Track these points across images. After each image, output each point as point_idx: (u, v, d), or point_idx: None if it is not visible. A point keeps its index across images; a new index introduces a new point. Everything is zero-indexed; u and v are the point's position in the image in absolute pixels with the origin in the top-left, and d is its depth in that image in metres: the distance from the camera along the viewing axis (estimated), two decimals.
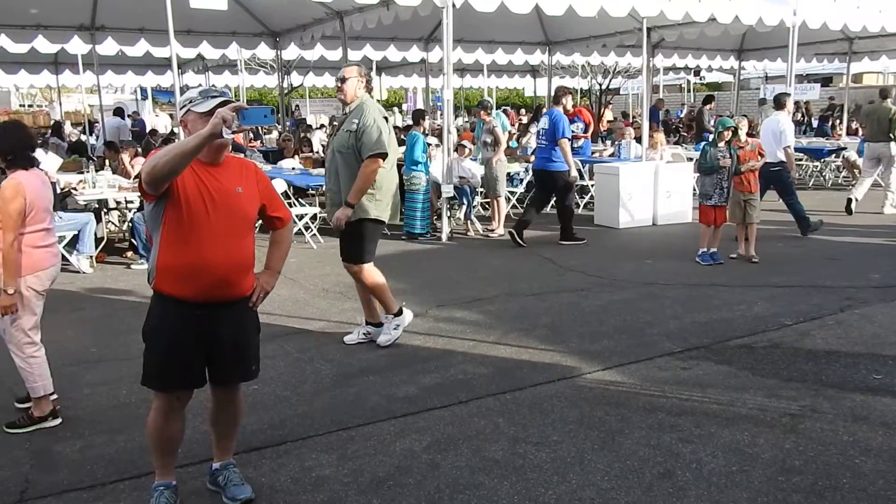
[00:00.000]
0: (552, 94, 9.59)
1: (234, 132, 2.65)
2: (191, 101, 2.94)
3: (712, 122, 13.83)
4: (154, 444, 3.12)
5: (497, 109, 12.00)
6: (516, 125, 18.34)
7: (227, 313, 3.00)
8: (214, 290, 2.91)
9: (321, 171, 10.37)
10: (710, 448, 3.63)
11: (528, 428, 3.90)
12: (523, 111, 23.67)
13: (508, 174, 10.78)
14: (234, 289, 2.98)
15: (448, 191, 9.18)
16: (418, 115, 9.78)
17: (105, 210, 9.00)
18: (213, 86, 20.53)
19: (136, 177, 9.70)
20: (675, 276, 7.19)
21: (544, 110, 12.85)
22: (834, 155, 14.58)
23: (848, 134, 16.26)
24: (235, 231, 2.94)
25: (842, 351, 5.02)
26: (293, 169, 11.12)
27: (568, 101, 9.14)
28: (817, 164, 14.67)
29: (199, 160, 2.86)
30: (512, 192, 10.90)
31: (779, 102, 9.21)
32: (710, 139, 7.83)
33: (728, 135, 7.54)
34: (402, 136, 12.07)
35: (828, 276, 7.07)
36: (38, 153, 10.15)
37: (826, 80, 26.99)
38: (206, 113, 2.79)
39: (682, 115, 23.73)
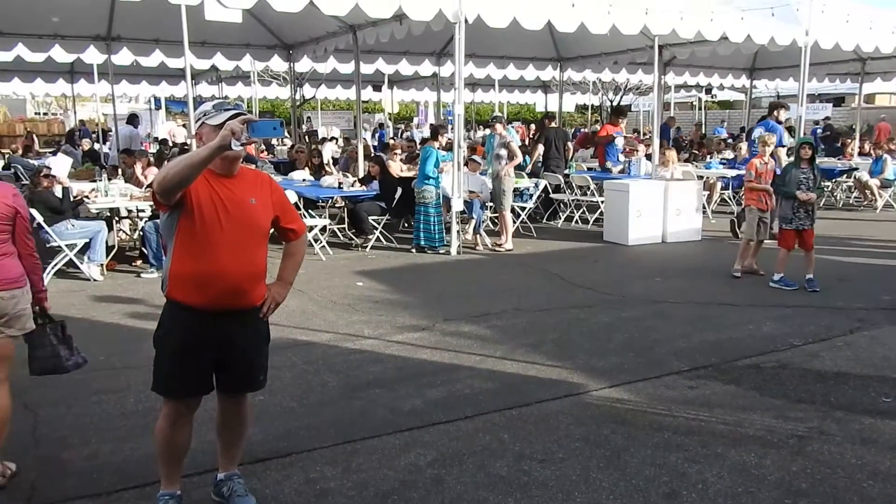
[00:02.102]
0: (768, 107, 10.94)
1: (243, 144, 2.68)
2: (205, 114, 2.97)
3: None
4: (161, 452, 3.13)
5: (508, 125, 12.08)
6: (527, 140, 18.38)
7: (238, 322, 3.02)
8: (225, 299, 2.94)
9: (332, 181, 10.45)
10: (716, 468, 3.61)
11: (534, 444, 3.89)
12: (533, 126, 23.74)
13: (518, 189, 10.80)
14: (245, 298, 3.00)
15: (458, 205, 9.20)
16: (436, 130, 9.81)
17: (116, 218, 9.07)
18: (225, 97, 20.70)
19: (147, 186, 9.80)
20: (684, 295, 7.17)
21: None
22: (845, 175, 14.54)
23: (860, 154, 16.21)
24: (248, 241, 2.96)
25: (851, 373, 4.99)
26: (304, 180, 11.19)
27: (781, 114, 10.09)
28: (828, 184, 14.63)
29: (213, 171, 2.90)
30: (522, 208, 10.91)
31: None
32: (793, 160, 7.50)
33: (808, 152, 7.28)
34: (417, 151, 12.13)
35: (838, 297, 7.03)
36: (50, 158, 10.28)
37: (838, 100, 26.95)
38: (219, 125, 2.82)
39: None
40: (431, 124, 12.22)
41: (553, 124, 12.90)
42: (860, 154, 16.16)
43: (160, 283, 3.08)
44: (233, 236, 2.91)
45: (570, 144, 13.07)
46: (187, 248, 2.90)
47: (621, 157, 12.93)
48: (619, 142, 12.97)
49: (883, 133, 20.05)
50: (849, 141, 17.54)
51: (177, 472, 3.19)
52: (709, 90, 22.67)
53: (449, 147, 9.64)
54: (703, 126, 24.45)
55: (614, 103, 20.58)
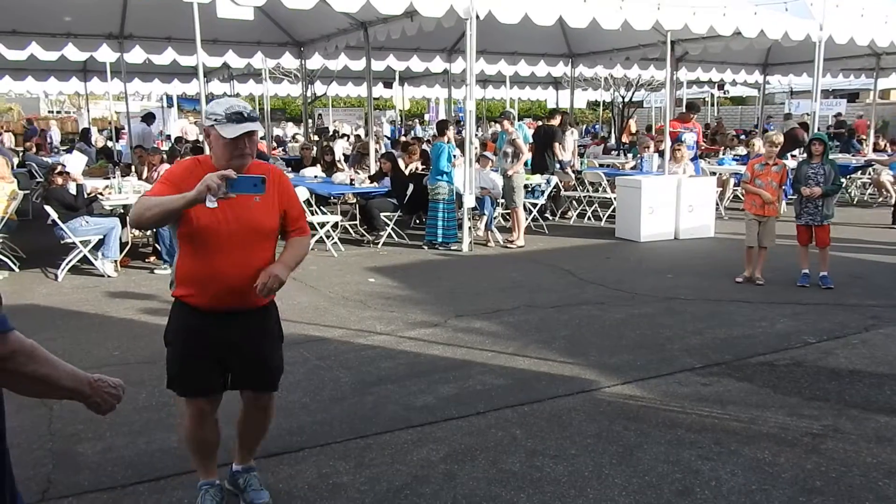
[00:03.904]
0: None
1: (220, 198, 2.59)
2: (216, 118, 2.78)
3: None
4: (192, 449, 3.16)
5: (519, 121, 11.97)
6: None
7: (245, 322, 2.99)
8: (228, 300, 2.90)
9: (344, 178, 10.47)
10: (729, 466, 3.59)
11: (546, 441, 3.89)
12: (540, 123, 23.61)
13: (528, 186, 10.78)
14: (250, 298, 2.93)
15: (470, 201, 9.20)
16: (443, 126, 9.81)
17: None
18: (237, 94, 20.71)
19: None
20: (697, 291, 7.13)
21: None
22: (860, 172, 14.42)
23: (875, 150, 16.07)
24: (250, 241, 2.88)
25: (866, 371, 4.95)
26: (315, 177, 11.21)
27: None
28: (843, 180, 14.50)
29: (215, 169, 2.76)
30: (533, 204, 10.89)
31: None
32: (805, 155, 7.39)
33: (819, 148, 7.11)
34: (425, 147, 12.10)
35: (852, 295, 6.97)
36: (65, 156, 10.35)
37: (852, 96, 26.72)
38: (232, 140, 2.75)
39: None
40: (438, 121, 12.13)
41: (554, 121, 12.16)
42: (875, 150, 16.02)
43: (169, 283, 3.08)
44: (234, 237, 2.83)
45: (561, 144, 12.28)
46: (189, 248, 2.87)
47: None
48: (689, 138, 11.80)
49: (861, 130, 19.93)
50: (863, 137, 17.40)
51: (212, 464, 3.22)
52: (721, 86, 22.51)
53: (459, 143, 9.63)
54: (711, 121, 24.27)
55: (626, 99, 20.47)
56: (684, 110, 13.12)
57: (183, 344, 2.97)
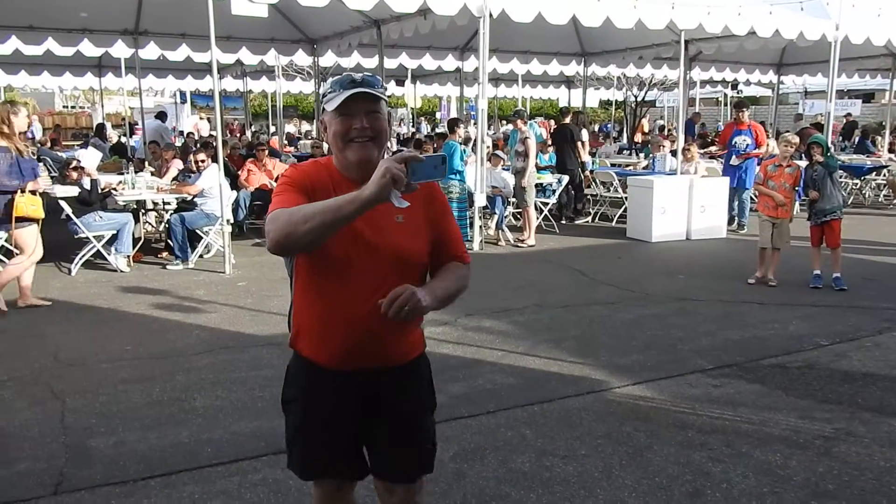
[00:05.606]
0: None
1: (404, 192, 1.81)
2: (324, 97, 2.11)
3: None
4: None
5: (531, 119, 11.94)
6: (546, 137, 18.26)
7: (389, 383, 2.23)
8: (365, 354, 2.15)
9: None
10: (740, 468, 3.58)
11: (556, 440, 3.88)
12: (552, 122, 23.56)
13: (540, 185, 10.75)
14: (393, 350, 2.21)
15: (481, 200, 9.19)
16: (453, 124, 9.79)
17: (143, 211, 9.18)
18: (248, 90, 20.73)
19: (173, 179, 9.91)
20: (708, 292, 7.10)
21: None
22: (874, 173, 14.30)
23: (890, 151, 15.92)
24: (391, 275, 2.07)
25: (880, 374, 4.92)
26: None
27: None
28: (857, 181, 14.41)
29: (345, 178, 2.10)
30: (544, 203, 10.87)
31: None
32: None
33: (815, 151, 7.18)
34: (435, 146, 12.08)
35: (866, 297, 6.92)
36: (79, 151, 10.40)
37: (868, 97, 26.51)
38: (339, 111, 2.05)
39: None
40: (449, 119, 12.12)
41: (568, 119, 12.11)
42: (890, 151, 15.88)
43: (286, 324, 2.32)
44: (371, 269, 2.08)
45: (580, 143, 12.01)
46: (310, 288, 2.16)
47: (735, 160, 11.06)
48: (741, 142, 11.07)
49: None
50: (878, 138, 17.24)
51: None
52: (735, 86, 22.37)
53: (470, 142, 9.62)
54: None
55: (638, 98, 20.37)
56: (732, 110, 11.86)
57: (306, 411, 2.24)
